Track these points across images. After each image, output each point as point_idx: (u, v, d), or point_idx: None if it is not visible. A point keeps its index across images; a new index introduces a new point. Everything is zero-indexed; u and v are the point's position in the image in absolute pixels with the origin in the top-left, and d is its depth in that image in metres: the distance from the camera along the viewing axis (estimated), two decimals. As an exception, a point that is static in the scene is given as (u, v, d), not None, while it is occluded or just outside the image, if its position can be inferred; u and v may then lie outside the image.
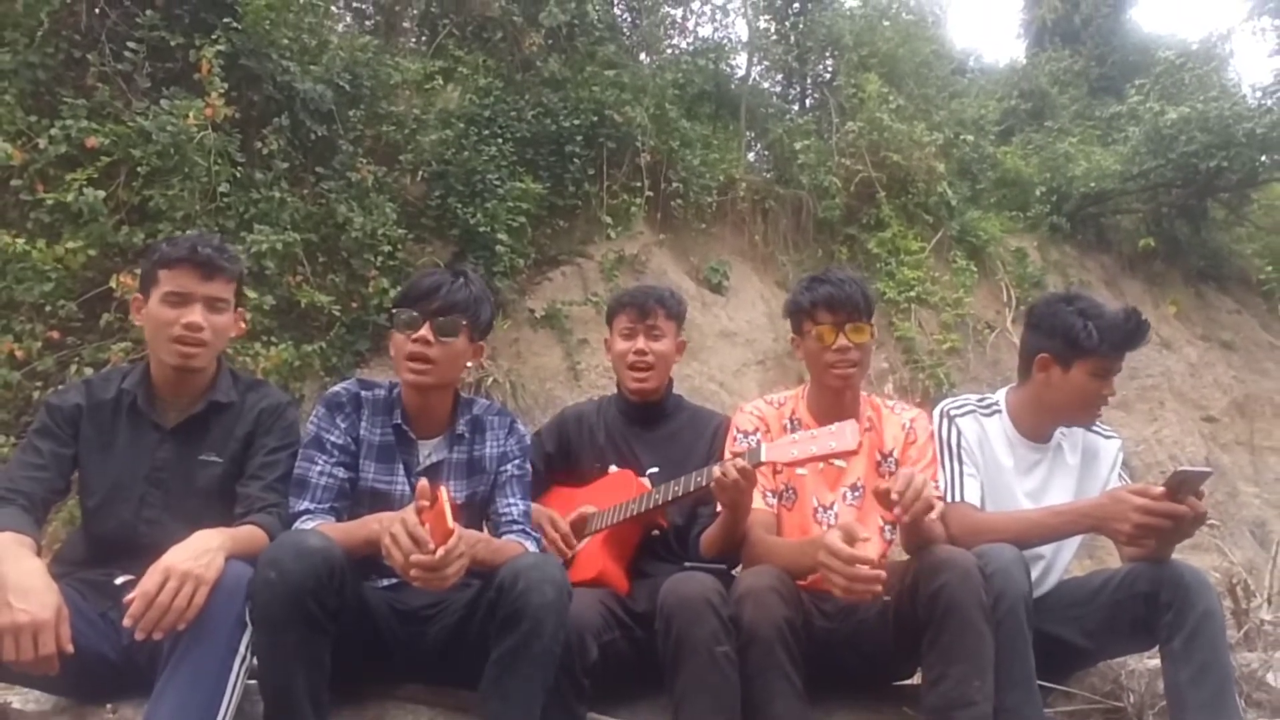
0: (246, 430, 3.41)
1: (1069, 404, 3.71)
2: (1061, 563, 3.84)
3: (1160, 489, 3.25)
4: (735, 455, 3.32)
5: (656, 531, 3.91)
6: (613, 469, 4.03)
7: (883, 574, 2.92)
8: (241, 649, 2.81)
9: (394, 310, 3.46)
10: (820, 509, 3.72)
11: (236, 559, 2.89)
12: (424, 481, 2.94)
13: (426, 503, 2.88)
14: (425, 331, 3.34)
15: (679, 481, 3.52)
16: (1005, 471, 3.77)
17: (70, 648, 2.72)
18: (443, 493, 2.85)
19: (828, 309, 3.65)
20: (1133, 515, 3.23)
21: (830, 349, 3.65)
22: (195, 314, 3.26)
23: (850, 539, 2.99)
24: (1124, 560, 3.67)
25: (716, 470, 3.28)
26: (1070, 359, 3.65)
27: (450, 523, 2.80)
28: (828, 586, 3.03)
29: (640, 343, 4.09)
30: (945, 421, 3.82)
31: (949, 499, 3.62)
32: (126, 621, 2.67)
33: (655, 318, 4.12)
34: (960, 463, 3.71)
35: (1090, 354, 3.60)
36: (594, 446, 4.17)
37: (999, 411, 3.88)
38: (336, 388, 3.59)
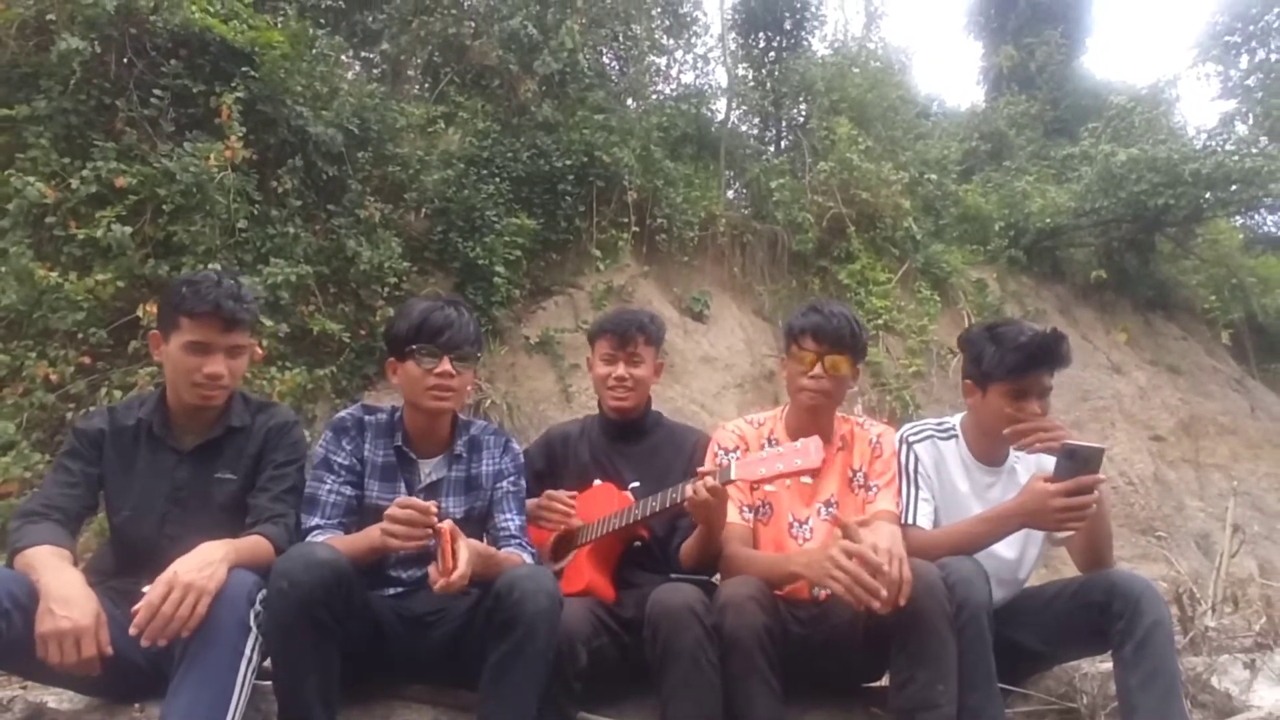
0: (257, 448, 3.43)
1: (995, 427, 3.59)
2: (1025, 570, 3.84)
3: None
4: (705, 474, 3.31)
5: (638, 542, 3.90)
6: (596, 483, 4.01)
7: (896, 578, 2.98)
8: (247, 651, 2.82)
9: (405, 344, 3.45)
10: (795, 524, 3.71)
11: (240, 568, 2.90)
12: (443, 526, 3.00)
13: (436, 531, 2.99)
14: (447, 365, 3.39)
15: (656, 498, 3.51)
16: (961, 495, 3.73)
17: (110, 650, 2.75)
18: (447, 534, 2.98)
19: (813, 337, 3.66)
20: (1054, 502, 3.20)
21: (806, 374, 3.66)
22: (218, 364, 3.28)
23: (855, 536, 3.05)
24: (1080, 570, 3.68)
25: (689, 489, 3.27)
26: (985, 383, 3.61)
27: (449, 563, 2.95)
28: (845, 597, 3.03)
29: (620, 369, 4.06)
30: (904, 447, 3.78)
31: (903, 521, 3.62)
32: (132, 630, 2.68)
33: (635, 345, 4.07)
34: (916, 488, 3.68)
35: (997, 379, 3.55)
36: (579, 463, 4.14)
37: (955, 436, 3.83)
38: (342, 413, 3.62)
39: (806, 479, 3.58)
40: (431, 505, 3.01)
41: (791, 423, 3.82)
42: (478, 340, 3.58)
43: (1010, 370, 3.50)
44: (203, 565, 2.79)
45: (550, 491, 3.90)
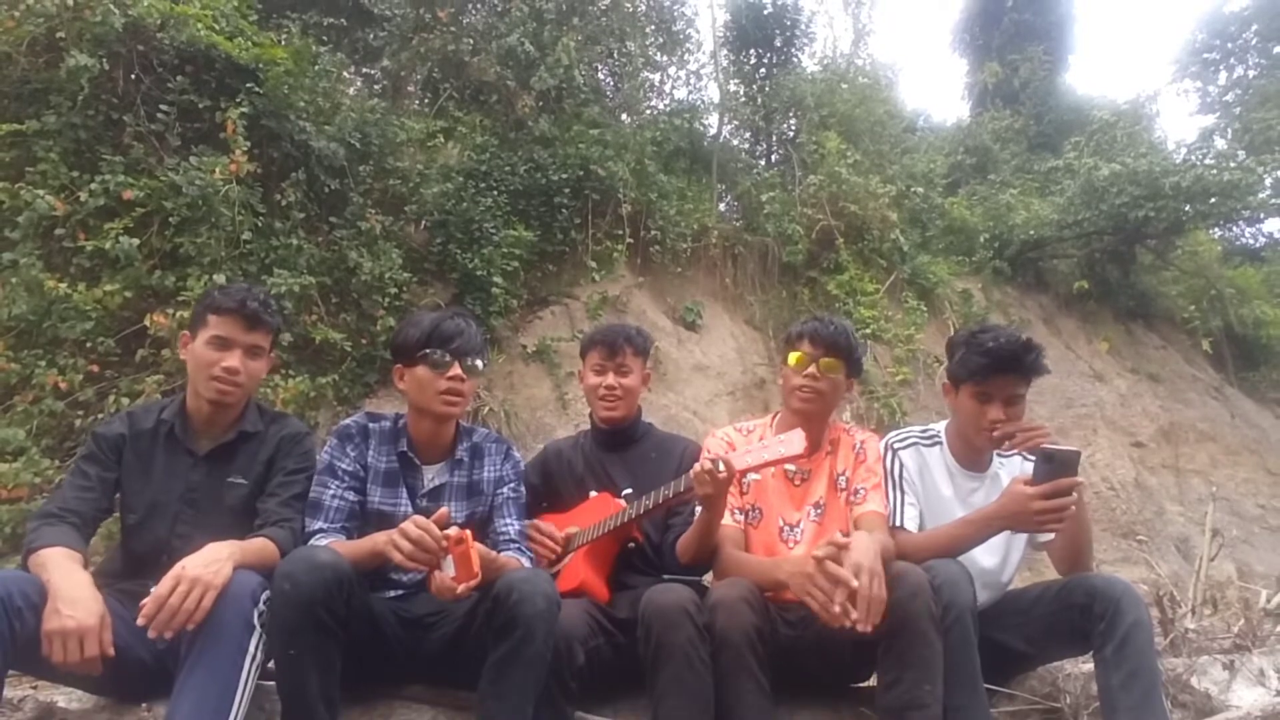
0: (269, 455, 3.48)
1: (966, 426, 3.68)
2: (1009, 574, 3.85)
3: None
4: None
5: (632, 544, 3.93)
6: (593, 494, 4.06)
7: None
8: (251, 649, 2.84)
9: (416, 349, 3.50)
10: (786, 527, 3.74)
11: (245, 568, 2.93)
12: (463, 530, 3.01)
13: (455, 538, 2.97)
14: (458, 370, 3.47)
15: (649, 496, 3.55)
16: (945, 500, 3.76)
17: (111, 651, 2.77)
18: (469, 539, 2.97)
19: (810, 340, 3.74)
20: (1033, 504, 3.23)
21: (801, 373, 3.72)
22: (235, 359, 3.37)
23: (837, 558, 3.05)
24: (1061, 573, 3.70)
25: (696, 465, 3.29)
26: (957, 383, 3.68)
27: (476, 568, 2.95)
28: (819, 614, 3.05)
29: (610, 379, 4.17)
30: (889, 454, 3.82)
31: (890, 524, 3.63)
32: (140, 620, 2.71)
33: (624, 356, 4.19)
34: (901, 492, 3.71)
35: (963, 379, 3.62)
36: (574, 475, 4.21)
37: (939, 442, 3.88)
38: (347, 421, 3.65)
39: (788, 466, 3.61)
40: (443, 512, 3.04)
41: (782, 429, 3.83)
42: (484, 350, 3.65)
43: (972, 373, 3.58)
44: (209, 562, 2.83)
45: (538, 523, 3.90)
